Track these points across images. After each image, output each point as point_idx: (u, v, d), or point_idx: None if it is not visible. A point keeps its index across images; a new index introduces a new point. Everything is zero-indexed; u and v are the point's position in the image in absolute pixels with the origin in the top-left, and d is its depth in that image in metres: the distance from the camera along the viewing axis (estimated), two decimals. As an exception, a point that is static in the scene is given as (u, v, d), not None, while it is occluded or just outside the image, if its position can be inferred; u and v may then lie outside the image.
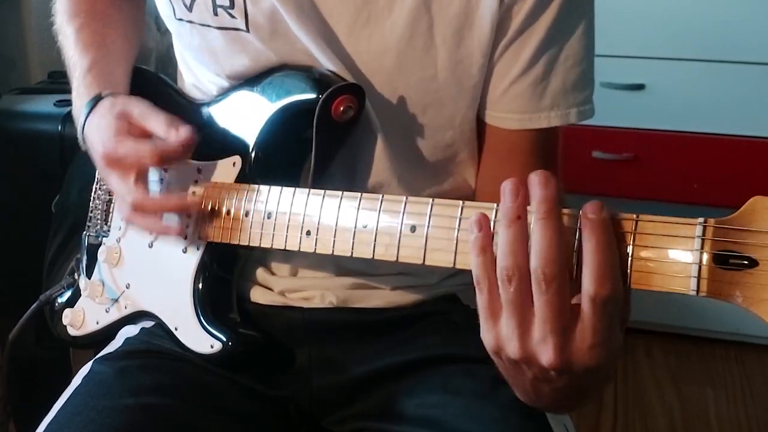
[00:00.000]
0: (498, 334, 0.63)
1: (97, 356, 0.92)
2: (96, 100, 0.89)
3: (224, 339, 0.85)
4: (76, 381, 0.89)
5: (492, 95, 0.86)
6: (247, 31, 0.84)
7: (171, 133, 0.80)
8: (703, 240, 0.56)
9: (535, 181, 0.62)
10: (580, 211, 0.60)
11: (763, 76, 2.06)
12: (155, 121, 0.82)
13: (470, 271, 0.95)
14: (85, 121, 0.89)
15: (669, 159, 2.16)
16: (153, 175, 0.92)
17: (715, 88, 2.09)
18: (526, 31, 0.82)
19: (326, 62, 0.83)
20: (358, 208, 0.73)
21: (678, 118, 2.15)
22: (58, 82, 1.73)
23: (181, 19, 0.88)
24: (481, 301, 0.63)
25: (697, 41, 2.07)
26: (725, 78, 2.08)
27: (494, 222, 0.64)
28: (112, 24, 0.99)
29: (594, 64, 0.88)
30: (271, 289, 0.93)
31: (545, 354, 0.61)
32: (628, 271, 0.59)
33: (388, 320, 0.92)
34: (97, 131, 0.86)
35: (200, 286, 0.87)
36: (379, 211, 0.72)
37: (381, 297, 0.92)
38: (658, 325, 2.32)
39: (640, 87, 2.13)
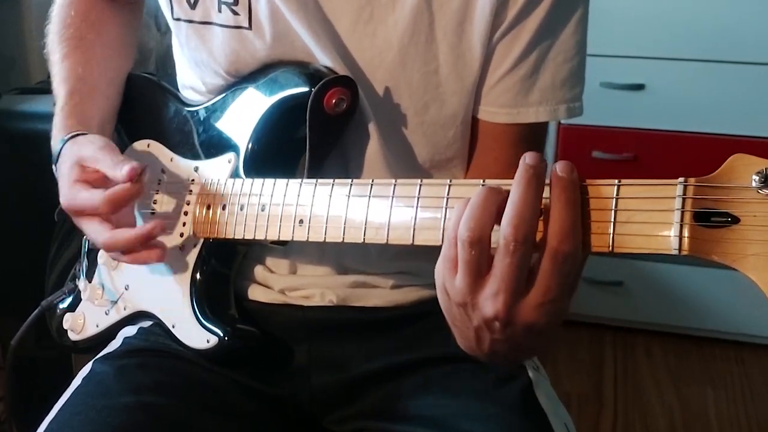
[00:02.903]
0: (451, 283, 0.64)
1: (97, 356, 0.92)
2: (63, 143, 0.90)
3: (220, 334, 0.85)
4: (77, 381, 0.89)
5: (483, 90, 0.86)
6: (250, 28, 0.84)
7: (116, 172, 0.82)
8: (684, 199, 0.56)
9: (525, 156, 0.63)
10: (550, 172, 0.61)
11: (763, 76, 2.06)
12: (102, 164, 0.84)
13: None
14: (56, 162, 0.91)
15: (669, 159, 2.16)
16: (151, 178, 0.93)
17: (715, 88, 2.09)
18: (518, 26, 0.83)
19: (327, 60, 0.83)
20: (349, 195, 0.74)
21: (678, 118, 2.15)
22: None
23: (178, 19, 0.89)
24: (446, 251, 0.64)
25: (697, 41, 2.07)
26: (725, 78, 2.08)
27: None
28: (93, 51, 0.99)
29: (586, 62, 0.88)
30: (270, 288, 0.93)
31: (493, 306, 0.62)
32: (611, 235, 0.59)
33: (388, 319, 0.92)
34: (60, 178, 0.88)
35: (198, 282, 0.87)
36: (370, 195, 0.72)
37: (381, 296, 0.92)
38: (658, 325, 2.33)
39: (640, 87, 2.14)
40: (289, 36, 0.84)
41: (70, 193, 0.86)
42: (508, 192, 0.61)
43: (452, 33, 0.83)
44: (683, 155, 2.14)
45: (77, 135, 0.90)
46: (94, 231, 0.85)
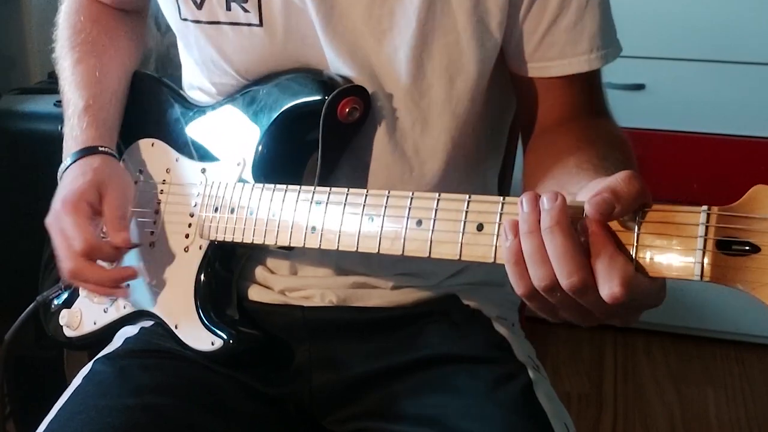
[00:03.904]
0: (563, 318, 0.64)
1: (98, 356, 0.92)
2: (91, 151, 0.90)
3: (225, 336, 0.86)
4: (77, 381, 0.89)
5: (527, 49, 0.86)
6: (260, 25, 0.84)
7: (114, 234, 0.85)
8: (707, 227, 0.57)
9: (544, 197, 0.61)
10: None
11: (763, 76, 2.05)
12: (112, 213, 0.86)
13: (472, 271, 0.96)
14: (71, 163, 0.90)
15: (669, 159, 2.15)
16: (156, 177, 0.93)
17: (715, 88, 2.09)
18: None
19: (336, 54, 0.83)
20: (364, 204, 0.73)
21: (678, 118, 2.15)
22: (57, 82, 1.73)
23: (185, 20, 0.88)
24: (536, 306, 0.64)
25: (697, 41, 2.07)
26: (725, 78, 2.08)
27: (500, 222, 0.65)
28: (107, 56, 0.99)
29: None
30: (270, 288, 0.93)
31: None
32: (633, 259, 0.59)
33: (389, 319, 0.92)
34: (70, 183, 0.87)
35: (202, 284, 0.88)
36: (385, 206, 0.72)
37: (381, 296, 0.92)
38: (658, 325, 2.32)
39: (640, 87, 2.13)
40: (301, 30, 0.84)
41: (66, 208, 0.85)
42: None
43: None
44: (683, 155, 2.14)
45: (108, 154, 0.91)
46: (64, 256, 0.85)
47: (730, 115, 2.10)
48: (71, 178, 0.88)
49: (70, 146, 0.92)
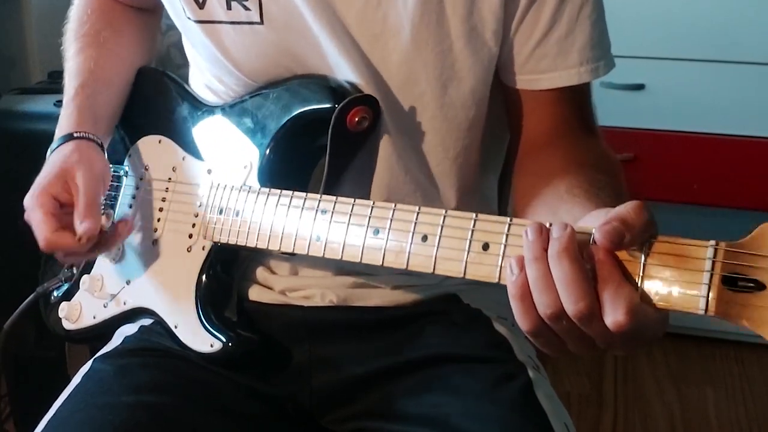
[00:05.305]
0: (567, 350, 0.63)
1: (97, 354, 0.92)
2: (67, 139, 0.90)
3: (224, 339, 0.85)
4: (77, 379, 0.89)
5: (518, 60, 0.86)
6: (261, 23, 0.85)
7: (78, 223, 0.83)
8: (713, 262, 0.57)
9: (554, 226, 0.61)
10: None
11: (763, 76, 2.05)
12: (79, 200, 0.85)
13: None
14: (50, 155, 0.90)
15: (669, 159, 2.15)
16: (161, 174, 0.93)
17: (715, 88, 2.09)
18: None
19: (337, 52, 0.83)
20: (370, 216, 0.73)
21: (678, 118, 2.15)
22: (57, 82, 1.72)
23: (189, 19, 0.89)
24: (540, 343, 0.63)
25: (697, 41, 2.07)
26: (725, 78, 2.08)
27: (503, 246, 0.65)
28: (106, 48, 1.00)
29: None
30: (271, 288, 0.93)
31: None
32: (638, 288, 0.59)
33: (389, 319, 0.92)
34: (41, 177, 0.88)
35: (204, 285, 0.87)
36: (391, 219, 0.72)
37: (381, 296, 0.92)
38: (658, 325, 2.32)
39: (640, 87, 2.13)
40: (302, 29, 0.84)
41: (32, 201, 0.86)
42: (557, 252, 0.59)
43: (462, 7, 0.83)
44: (683, 155, 2.14)
45: (84, 138, 0.90)
46: (38, 228, 0.85)
47: (730, 115, 2.10)
48: (44, 171, 0.89)
49: (55, 135, 0.93)
